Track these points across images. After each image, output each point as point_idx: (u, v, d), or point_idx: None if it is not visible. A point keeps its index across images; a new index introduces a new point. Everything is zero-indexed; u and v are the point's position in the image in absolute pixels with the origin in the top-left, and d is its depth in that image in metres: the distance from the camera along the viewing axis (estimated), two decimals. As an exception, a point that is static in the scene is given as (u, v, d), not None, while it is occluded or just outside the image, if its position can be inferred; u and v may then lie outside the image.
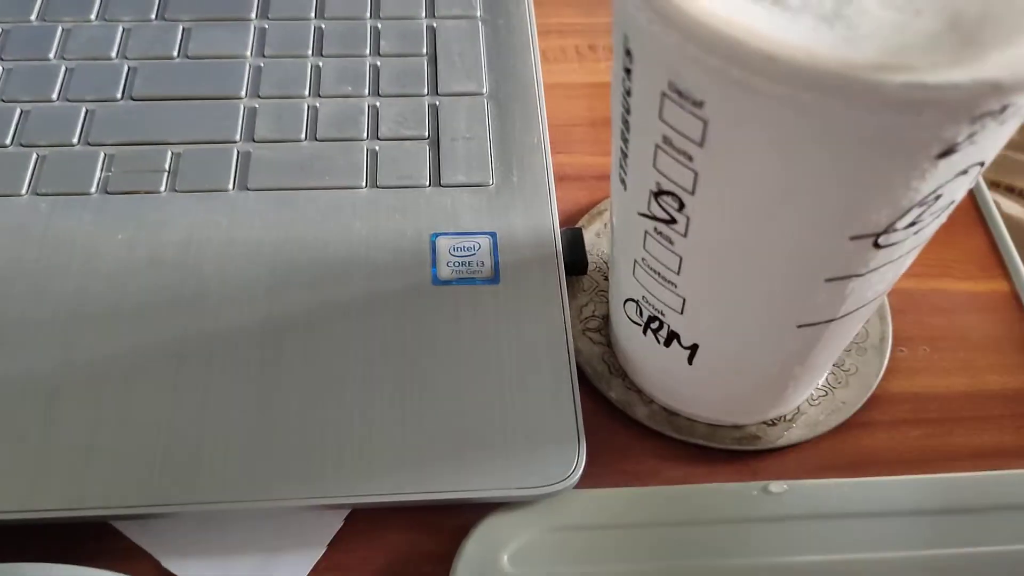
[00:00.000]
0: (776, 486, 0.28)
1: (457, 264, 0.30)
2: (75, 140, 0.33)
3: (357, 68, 0.36)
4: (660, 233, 0.23)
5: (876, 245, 0.21)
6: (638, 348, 0.29)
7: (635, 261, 0.25)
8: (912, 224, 0.21)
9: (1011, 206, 0.56)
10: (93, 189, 0.32)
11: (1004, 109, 0.17)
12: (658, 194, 0.22)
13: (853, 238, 0.21)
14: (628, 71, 0.21)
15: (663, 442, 0.30)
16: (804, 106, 0.17)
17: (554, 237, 0.32)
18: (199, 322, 0.29)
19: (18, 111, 0.34)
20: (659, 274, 0.25)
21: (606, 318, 0.32)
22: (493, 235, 0.31)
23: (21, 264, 0.30)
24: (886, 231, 0.21)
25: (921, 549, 0.27)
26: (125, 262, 0.30)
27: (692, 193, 0.21)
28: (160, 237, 0.31)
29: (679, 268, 0.24)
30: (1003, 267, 0.34)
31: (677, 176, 0.21)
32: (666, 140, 0.21)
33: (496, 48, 0.37)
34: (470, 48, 0.37)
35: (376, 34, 0.37)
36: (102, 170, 0.32)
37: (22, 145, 0.33)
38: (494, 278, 0.30)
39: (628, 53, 0.20)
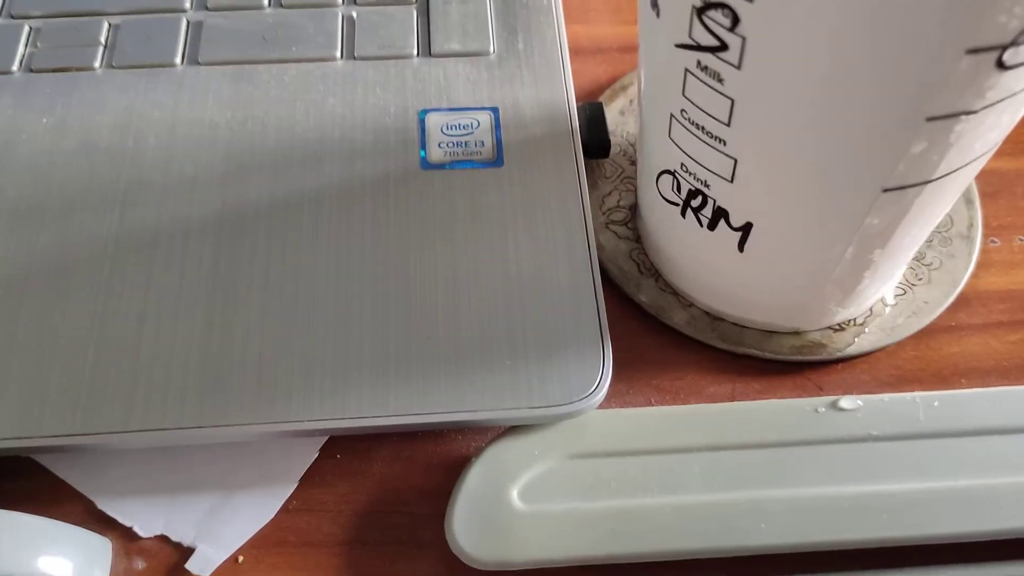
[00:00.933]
0: (848, 401, 0.22)
1: (451, 144, 0.25)
2: (-5, 12, 0.28)
3: (331, -76, 0.30)
4: (706, 69, 0.18)
5: (1000, 64, 0.16)
6: (675, 236, 0.23)
7: (672, 117, 0.20)
8: (1052, 33, 0.15)
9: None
10: (15, 67, 0.27)
11: None
12: (703, 9, 0.17)
13: (971, 51, 0.15)
14: None
15: (706, 353, 0.24)
16: None
17: (569, 113, 0.26)
18: (138, 217, 0.24)
19: (-71, -19, 0.28)
20: (704, 128, 0.19)
21: (633, 208, 0.26)
22: (495, 110, 0.26)
23: (-74, 154, 0.25)
24: (1015, 42, 0.15)
25: (1028, 475, 0.21)
26: (51, 150, 0.25)
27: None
28: (93, 120, 0.25)
29: (729, 117, 0.18)
30: (1109, 143, 0.28)
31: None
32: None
33: (496, -101, 0.31)
34: (465, -101, 0.31)
35: None
36: (26, 46, 0.27)
37: (-68, 19, 0.28)
38: (496, 160, 0.25)
39: None
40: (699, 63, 0.18)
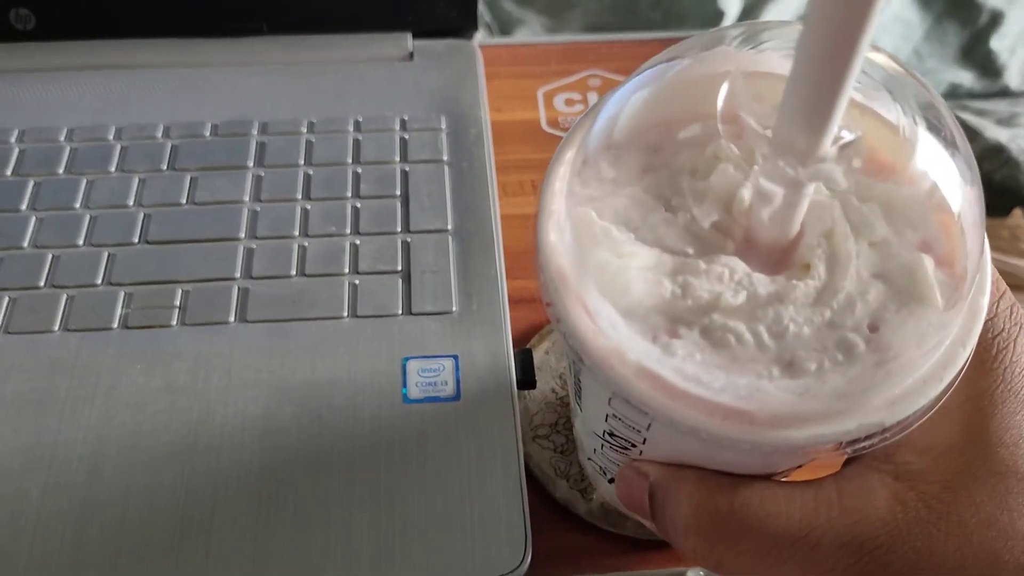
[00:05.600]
0: (693, 573, 0.33)
1: (424, 384, 0.36)
2: (99, 281, 0.39)
3: (339, 210, 0.42)
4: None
5: None
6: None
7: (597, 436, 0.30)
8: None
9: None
10: (115, 324, 0.37)
11: None
12: (611, 434, 0.27)
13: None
14: (579, 375, 0.26)
15: (601, 535, 0.35)
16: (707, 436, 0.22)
17: (507, 358, 0.37)
18: (205, 439, 0.34)
19: (50, 256, 0.39)
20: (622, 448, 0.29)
21: (554, 425, 0.37)
22: (455, 357, 0.37)
23: (56, 392, 0.35)
24: None
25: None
26: (143, 388, 0.35)
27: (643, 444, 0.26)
28: (172, 366, 0.36)
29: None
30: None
31: (626, 434, 0.26)
32: (615, 415, 0.25)
33: (459, 188, 0.43)
34: (437, 189, 0.43)
35: (356, 178, 0.43)
36: (123, 307, 0.38)
37: (54, 287, 0.38)
38: (456, 396, 0.36)
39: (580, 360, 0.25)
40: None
